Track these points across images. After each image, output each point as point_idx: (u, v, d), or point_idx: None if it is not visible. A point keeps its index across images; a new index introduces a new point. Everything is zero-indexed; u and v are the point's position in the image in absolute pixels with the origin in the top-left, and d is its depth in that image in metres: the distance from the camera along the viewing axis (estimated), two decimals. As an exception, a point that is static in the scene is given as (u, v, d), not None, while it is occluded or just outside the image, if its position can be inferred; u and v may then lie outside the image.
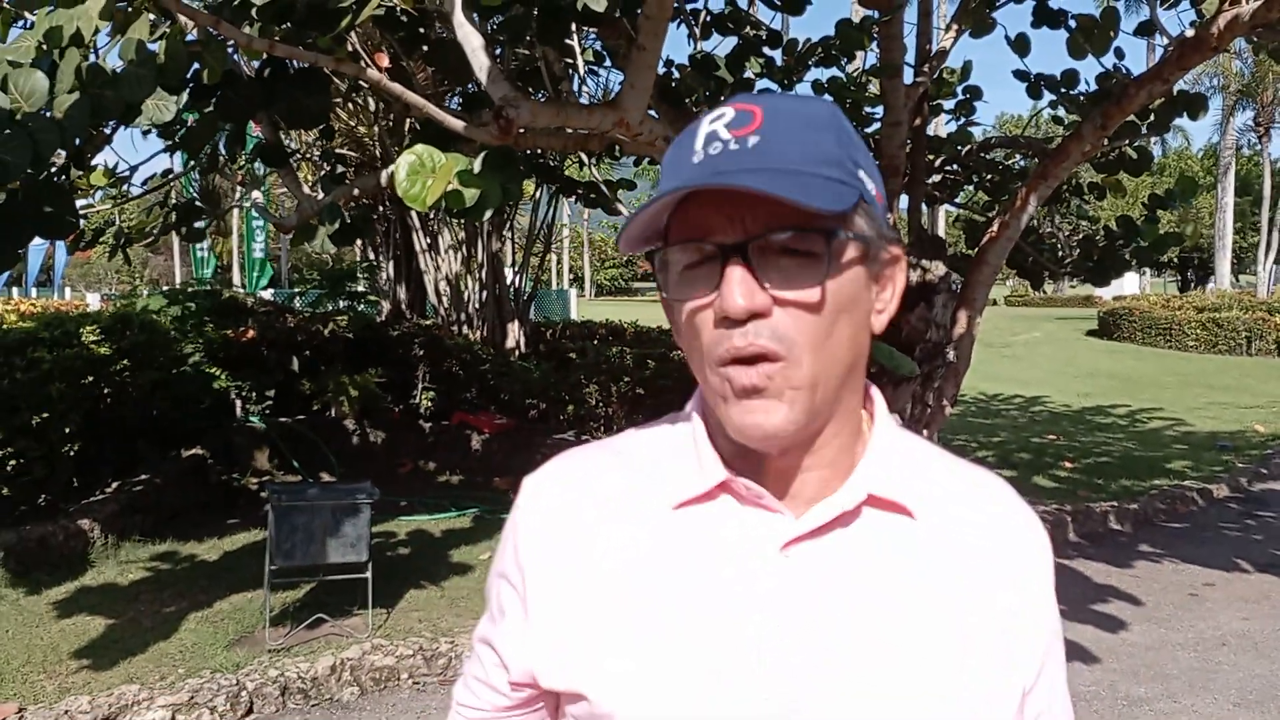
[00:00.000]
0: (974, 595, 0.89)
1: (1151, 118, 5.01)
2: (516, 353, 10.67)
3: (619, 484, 0.94)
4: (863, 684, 0.84)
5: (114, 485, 6.88)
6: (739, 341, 0.81)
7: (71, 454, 6.55)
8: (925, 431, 4.92)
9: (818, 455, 0.88)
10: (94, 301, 19.85)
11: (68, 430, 6.44)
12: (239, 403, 8.70)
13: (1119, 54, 4.86)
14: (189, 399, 8.02)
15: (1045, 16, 4.95)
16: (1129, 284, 42.91)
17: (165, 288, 14.93)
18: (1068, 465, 9.61)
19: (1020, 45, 4.98)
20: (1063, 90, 5.19)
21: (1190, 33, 4.26)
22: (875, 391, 0.95)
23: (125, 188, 5.10)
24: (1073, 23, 4.73)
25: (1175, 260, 52.61)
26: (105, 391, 6.91)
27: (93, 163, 4.22)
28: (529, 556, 0.94)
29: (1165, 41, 4.41)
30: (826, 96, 5.15)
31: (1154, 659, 5.00)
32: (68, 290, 35.71)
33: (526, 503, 0.98)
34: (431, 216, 10.70)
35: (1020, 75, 5.18)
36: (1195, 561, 6.68)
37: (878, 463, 0.90)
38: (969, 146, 6.01)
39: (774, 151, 0.81)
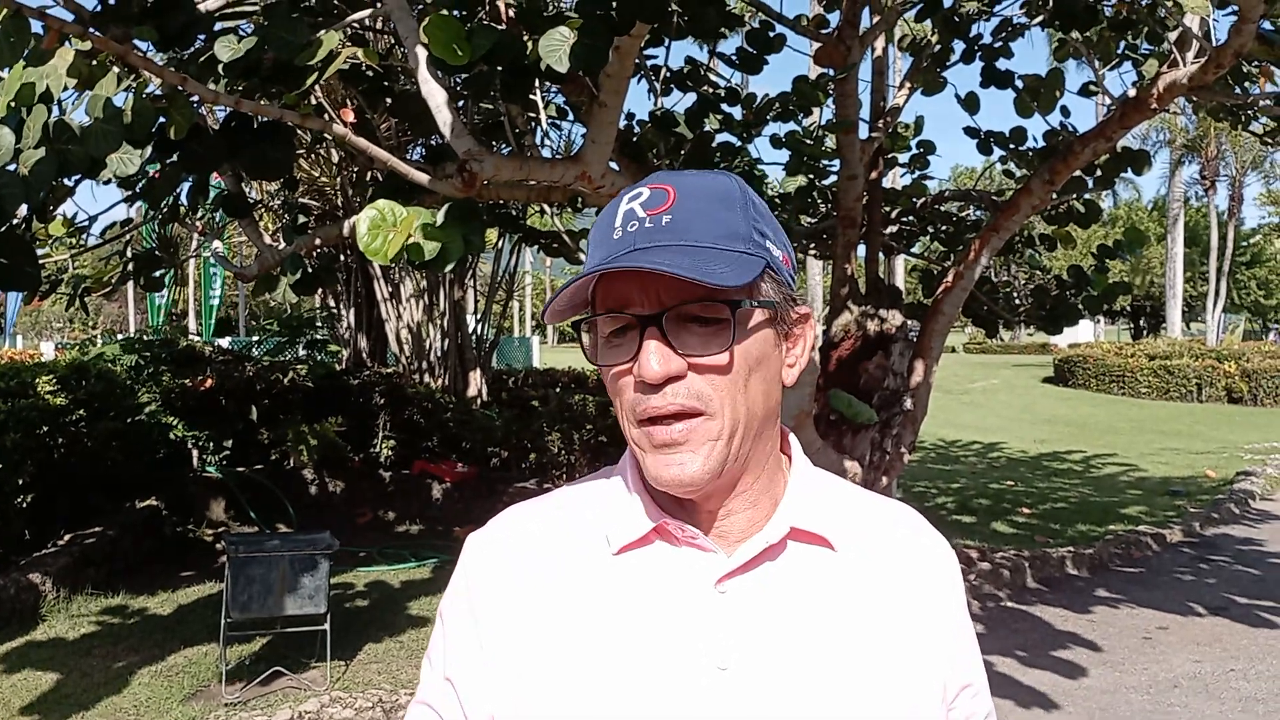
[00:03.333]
0: (893, 615, 0.96)
1: (1098, 173, 5.17)
2: (478, 401, 10.64)
3: (562, 535, 1.00)
4: (808, 706, 0.90)
5: (67, 537, 6.75)
6: (657, 402, 0.89)
7: (24, 505, 6.43)
8: (885, 478, 4.98)
9: (741, 499, 0.96)
10: (48, 351, 19.50)
11: (21, 482, 6.33)
12: (196, 452, 8.59)
13: (1065, 112, 5.03)
14: (145, 449, 7.91)
15: (994, 77, 5.12)
16: (1084, 332, 43.53)
17: (120, 336, 14.73)
18: (1025, 511, 9.71)
19: (970, 103, 5.14)
20: (1012, 146, 5.35)
21: (1132, 93, 4.43)
22: (791, 435, 1.03)
23: (84, 237, 5.08)
24: (1020, 83, 4.89)
25: (1128, 309, 53.62)
26: (60, 442, 6.81)
27: (53, 213, 4.20)
28: (482, 608, 0.98)
29: (1109, 101, 4.58)
30: (784, 151, 5.27)
31: (1109, 702, 5.05)
32: (19, 339, 35.07)
33: (474, 556, 1.02)
34: (393, 265, 10.70)
35: (970, 132, 5.33)
36: (1150, 605, 6.76)
37: (798, 499, 0.98)
38: (924, 199, 6.16)
39: (685, 229, 0.90)
